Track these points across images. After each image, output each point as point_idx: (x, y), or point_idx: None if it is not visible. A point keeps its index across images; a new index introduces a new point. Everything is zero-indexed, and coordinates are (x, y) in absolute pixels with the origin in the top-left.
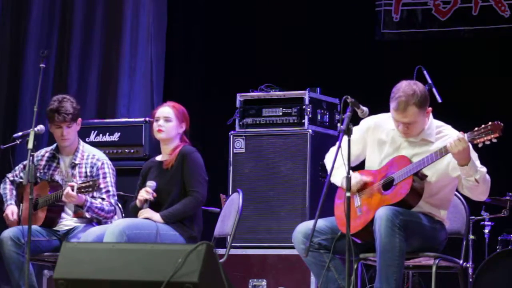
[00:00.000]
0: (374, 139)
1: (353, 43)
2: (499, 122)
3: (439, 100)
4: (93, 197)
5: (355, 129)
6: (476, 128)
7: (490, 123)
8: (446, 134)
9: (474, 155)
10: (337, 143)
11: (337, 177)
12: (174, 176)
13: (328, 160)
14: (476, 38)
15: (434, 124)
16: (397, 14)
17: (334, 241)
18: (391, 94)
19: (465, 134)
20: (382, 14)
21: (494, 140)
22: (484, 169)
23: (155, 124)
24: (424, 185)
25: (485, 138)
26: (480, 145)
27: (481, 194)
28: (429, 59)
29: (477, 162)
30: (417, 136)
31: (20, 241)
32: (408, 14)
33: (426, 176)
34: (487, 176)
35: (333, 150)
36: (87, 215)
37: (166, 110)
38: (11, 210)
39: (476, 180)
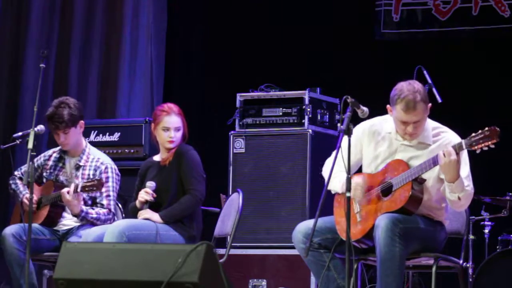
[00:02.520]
0: (370, 143)
1: (353, 43)
2: (495, 128)
3: (439, 100)
4: (93, 204)
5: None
6: (473, 134)
7: (487, 128)
8: (443, 137)
9: (465, 172)
10: (335, 151)
11: (336, 184)
12: (172, 175)
13: (326, 170)
14: (476, 38)
15: (430, 126)
16: (397, 14)
17: (334, 242)
18: (394, 97)
19: (463, 141)
20: (382, 14)
21: (492, 146)
22: (469, 188)
23: (164, 134)
24: (423, 190)
25: (483, 144)
26: (478, 151)
27: (459, 207)
28: (429, 59)
29: (467, 180)
30: (413, 139)
31: (21, 238)
32: (408, 14)
33: (425, 180)
34: (471, 192)
35: (330, 161)
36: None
37: (175, 120)
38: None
39: (459, 197)
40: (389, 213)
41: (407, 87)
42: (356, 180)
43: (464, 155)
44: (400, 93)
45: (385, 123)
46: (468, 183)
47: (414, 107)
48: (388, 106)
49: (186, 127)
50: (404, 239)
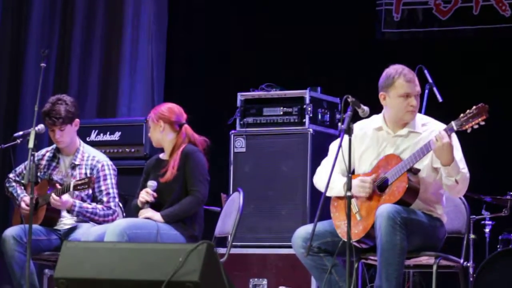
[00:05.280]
0: (361, 145)
1: (354, 42)
2: (483, 104)
3: (440, 99)
4: (94, 198)
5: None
6: (461, 114)
7: (474, 106)
8: (431, 126)
9: (458, 156)
10: (325, 159)
11: (336, 188)
12: (177, 175)
13: (318, 179)
14: (477, 38)
15: (417, 116)
16: (398, 13)
17: (333, 245)
18: (390, 77)
19: (453, 122)
20: (383, 14)
21: (482, 123)
22: (465, 170)
23: None
24: (419, 179)
25: (473, 123)
26: (469, 131)
27: (458, 193)
28: (430, 58)
29: (461, 163)
30: (403, 129)
31: (22, 240)
32: (408, 14)
33: (419, 170)
34: (467, 176)
35: (320, 169)
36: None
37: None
38: (27, 202)
39: (456, 181)
40: (390, 204)
41: (398, 66)
42: (361, 178)
43: (455, 141)
44: (395, 70)
45: (372, 122)
46: (463, 166)
47: (413, 78)
48: (381, 93)
49: (160, 122)
50: (405, 229)
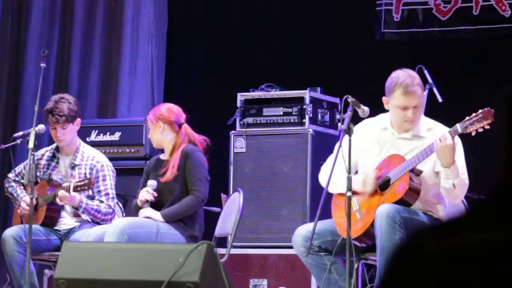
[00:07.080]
0: (365, 145)
1: (354, 42)
2: (489, 109)
3: (440, 99)
4: (92, 198)
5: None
6: (467, 117)
7: (480, 110)
8: (437, 131)
9: (460, 161)
10: (331, 157)
11: (341, 185)
12: (177, 174)
13: (323, 177)
14: (477, 38)
15: (423, 120)
16: (398, 13)
17: (333, 244)
18: (391, 84)
19: (457, 125)
20: (383, 14)
21: (487, 127)
22: (465, 176)
23: None
24: (421, 181)
25: (478, 126)
26: (473, 134)
27: (455, 198)
28: (430, 58)
29: (462, 169)
30: (409, 132)
31: (22, 240)
32: (408, 14)
33: (422, 171)
34: (466, 182)
35: (325, 167)
36: (83, 216)
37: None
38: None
39: (454, 184)
40: (390, 203)
41: (403, 73)
42: (365, 173)
43: (459, 145)
44: (397, 79)
45: (379, 121)
46: (463, 171)
47: (413, 92)
48: (384, 98)
49: (160, 123)
50: (405, 229)
